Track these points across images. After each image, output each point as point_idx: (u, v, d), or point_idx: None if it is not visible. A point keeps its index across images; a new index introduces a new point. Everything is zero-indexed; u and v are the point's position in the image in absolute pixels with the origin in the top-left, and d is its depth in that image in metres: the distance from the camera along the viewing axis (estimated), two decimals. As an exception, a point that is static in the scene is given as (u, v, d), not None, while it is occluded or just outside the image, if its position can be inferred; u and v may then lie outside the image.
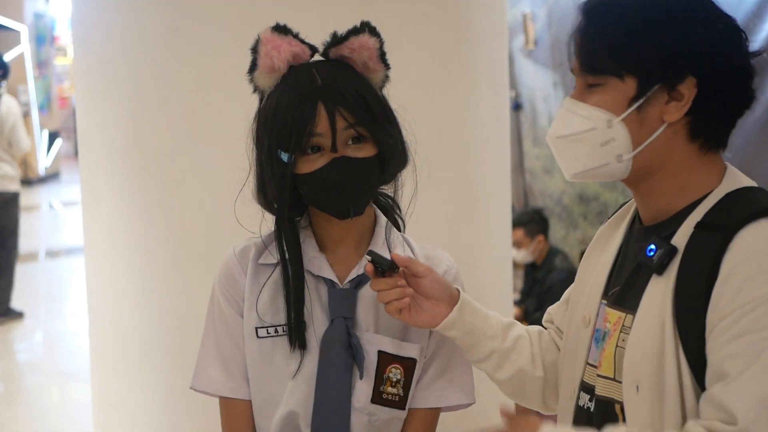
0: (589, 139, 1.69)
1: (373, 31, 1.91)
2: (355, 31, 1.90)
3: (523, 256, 6.34)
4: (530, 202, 7.63)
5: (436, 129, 3.08)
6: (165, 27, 2.97)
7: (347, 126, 1.82)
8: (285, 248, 1.93)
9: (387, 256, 1.86)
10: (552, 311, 2.05)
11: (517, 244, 6.26)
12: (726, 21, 1.67)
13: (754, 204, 1.63)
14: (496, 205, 3.39)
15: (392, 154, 1.89)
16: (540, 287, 6.26)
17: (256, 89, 1.92)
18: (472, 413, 2.12)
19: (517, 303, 6.21)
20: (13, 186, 7.89)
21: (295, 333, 1.92)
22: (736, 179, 1.70)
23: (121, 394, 3.34)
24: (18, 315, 7.96)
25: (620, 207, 1.91)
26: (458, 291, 1.91)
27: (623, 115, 1.66)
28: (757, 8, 4.44)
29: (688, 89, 1.64)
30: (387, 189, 2.02)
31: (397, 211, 2.05)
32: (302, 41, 1.90)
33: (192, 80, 2.96)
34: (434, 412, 2.02)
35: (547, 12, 7.15)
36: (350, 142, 1.84)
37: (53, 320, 8.55)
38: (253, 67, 1.90)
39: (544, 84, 7.11)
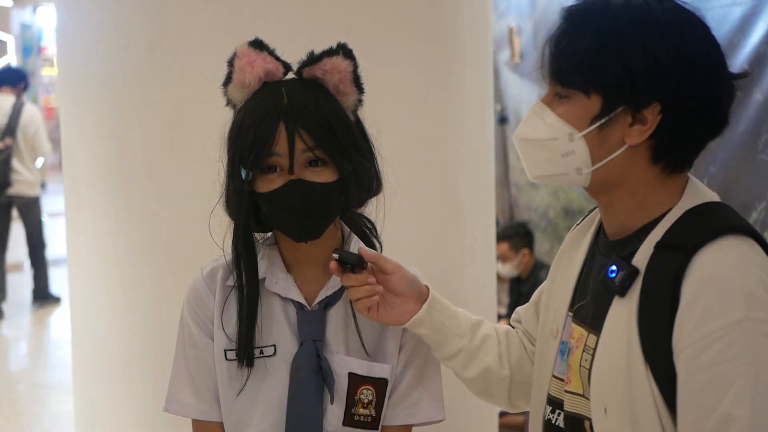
0: (550, 147, 1.67)
1: (348, 54, 1.89)
2: (329, 53, 1.88)
3: (509, 270, 6.34)
4: (516, 215, 7.64)
5: (420, 142, 3.08)
6: (149, 40, 2.96)
7: (306, 148, 1.80)
8: (238, 262, 1.91)
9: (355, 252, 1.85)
10: (520, 311, 2.06)
11: (502, 258, 6.25)
12: (703, 48, 1.62)
13: (711, 223, 1.60)
14: (481, 219, 3.38)
15: (354, 181, 1.86)
16: (525, 301, 6.23)
17: (229, 102, 1.91)
18: (441, 428, 2.12)
19: (502, 317, 6.20)
20: (34, 191, 8.70)
21: (244, 349, 1.90)
22: (697, 194, 1.67)
23: (103, 406, 3.32)
24: (56, 300, 8.91)
25: (590, 212, 1.88)
26: (427, 288, 1.92)
27: (584, 132, 1.64)
28: (741, 23, 4.45)
29: (652, 115, 1.61)
30: (364, 210, 2.01)
31: (374, 233, 2.03)
32: (277, 58, 1.88)
33: (175, 93, 2.96)
34: (406, 429, 2.01)
35: (533, 25, 7.17)
36: (309, 165, 1.82)
37: (38, 331, 8.53)
38: (227, 81, 1.90)
39: (529, 97, 7.11)
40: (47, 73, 18.37)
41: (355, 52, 1.91)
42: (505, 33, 7.43)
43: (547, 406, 1.80)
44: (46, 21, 17.97)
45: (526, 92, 7.22)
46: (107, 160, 3.12)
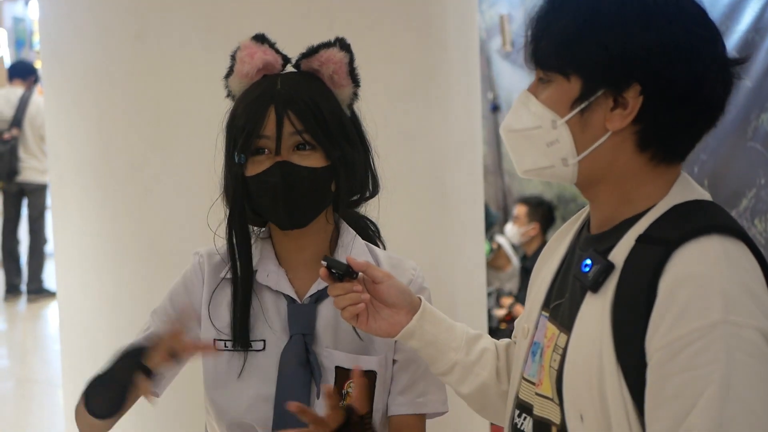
0: (536, 137, 1.61)
1: (345, 46, 1.91)
2: (326, 45, 1.91)
3: (514, 233, 6.28)
4: (509, 204, 7.63)
5: (408, 133, 3.07)
6: (133, 35, 2.95)
7: (294, 131, 1.82)
8: (234, 247, 1.92)
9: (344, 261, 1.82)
10: (516, 323, 1.93)
11: (515, 219, 6.23)
12: (689, 28, 1.53)
13: (698, 219, 1.51)
14: (469, 210, 3.38)
15: (343, 170, 1.87)
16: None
17: (229, 94, 1.94)
18: (444, 422, 2.12)
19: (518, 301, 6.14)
20: (42, 178, 8.80)
21: (240, 333, 1.90)
22: (686, 190, 1.59)
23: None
24: (50, 294, 8.76)
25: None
26: (419, 299, 1.86)
27: (566, 117, 1.57)
28: (729, 10, 4.45)
29: (633, 98, 1.53)
30: (367, 212, 2.02)
31: (378, 235, 2.05)
32: (277, 51, 1.91)
33: (160, 88, 2.95)
34: (419, 421, 2.00)
35: (524, 13, 7.14)
36: (296, 148, 1.83)
37: (27, 327, 8.54)
38: (229, 72, 1.93)
39: (521, 85, 7.02)
40: (40, 65, 18.31)
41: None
42: (496, 21, 7.41)
43: (516, 410, 1.73)
44: (38, 14, 17.92)
45: (517, 80, 7.20)
46: (92, 157, 3.11)
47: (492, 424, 3.53)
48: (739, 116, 4.33)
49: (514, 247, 6.37)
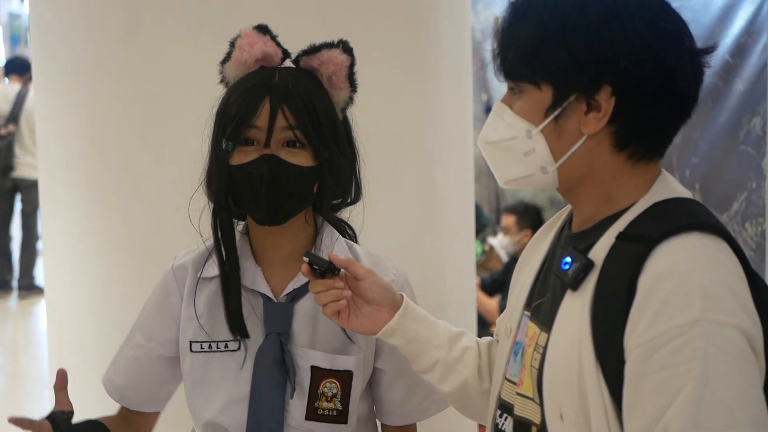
0: (512, 147, 1.60)
1: (347, 49, 1.90)
2: (328, 45, 1.90)
3: (506, 244, 6.27)
4: (501, 205, 7.62)
5: (398, 134, 3.07)
6: (123, 32, 2.94)
7: (287, 126, 1.81)
8: (218, 243, 1.91)
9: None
10: (498, 322, 1.92)
11: (504, 230, 6.20)
12: (654, 24, 1.52)
13: (678, 217, 1.51)
14: (460, 211, 3.37)
15: (329, 173, 1.86)
16: None
17: (223, 80, 1.93)
18: (434, 422, 2.12)
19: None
20: (36, 174, 8.53)
21: (235, 320, 1.90)
22: (667, 188, 1.59)
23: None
24: (41, 290, 8.79)
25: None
26: (402, 296, 1.85)
27: (541, 126, 1.56)
28: (722, 13, 4.44)
29: (605, 100, 1.52)
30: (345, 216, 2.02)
31: (354, 240, 2.04)
32: (278, 44, 1.91)
33: (151, 85, 2.94)
34: (413, 427, 2.03)
35: (519, 15, 7.14)
36: (286, 144, 1.82)
37: (21, 322, 8.52)
38: (226, 59, 1.91)
39: (516, 87, 7.06)
40: (35, 62, 18.26)
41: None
42: (491, 22, 7.40)
43: (497, 410, 1.73)
44: (33, 10, 17.91)
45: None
46: (82, 153, 3.10)
47: (480, 425, 3.52)
48: (731, 120, 4.32)
49: (510, 256, 6.36)
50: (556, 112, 1.55)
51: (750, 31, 4.33)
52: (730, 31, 4.39)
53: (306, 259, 1.78)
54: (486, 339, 1.94)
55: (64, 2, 3.11)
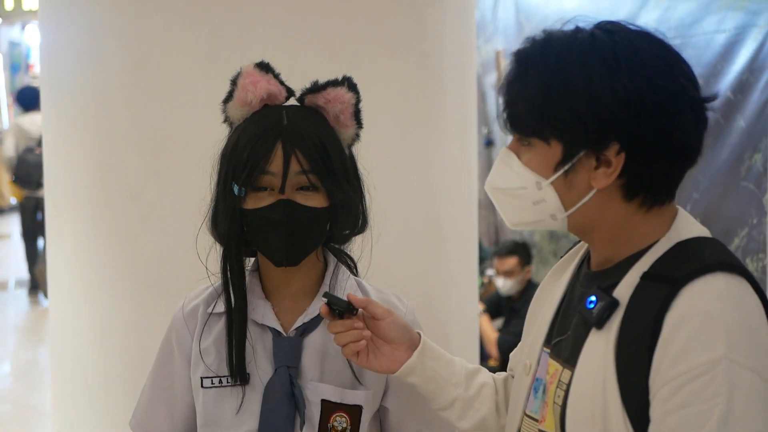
0: (521, 196, 1.61)
1: (352, 87, 1.89)
2: (333, 83, 1.88)
3: (510, 286, 6.28)
4: (501, 238, 7.63)
5: (403, 166, 3.08)
6: (132, 63, 2.95)
7: (300, 171, 1.80)
8: (227, 285, 1.90)
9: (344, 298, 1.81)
10: (512, 357, 1.94)
11: (508, 274, 6.21)
12: (657, 77, 1.53)
13: (702, 257, 1.51)
14: (463, 243, 3.38)
15: (343, 210, 1.86)
16: (517, 314, 6.20)
17: (226, 120, 1.91)
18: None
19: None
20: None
21: (237, 366, 1.89)
22: (687, 227, 1.59)
23: (82, 430, 3.30)
24: None
25: (573, 245, 1.81)
26: (419, 335, 1.86)
27: (551, 179, 1.57)
28: (724, 50, 4.47)
29: (614, 156, 1.52)
30: (347, 247, 2.00)
31: (354, 272, 2.02)
32: (281, 82, 1.89)
33: (159, 116, 2.95)
34: None
35: (519, 49, 7.18)
36: (301, 188, 1.82)
37: (21, 351, 8.49)
38: (228, 98, 1.89)
39: (516, 121, 7.08)
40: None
41: (338, 77, 1.91)
42: (492, 57, 7.45)
43: None
44: (34, 38, 17.96)
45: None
46: (89, 184, 3.11)
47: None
48: (732, 156, 4.34)
49: (510, 298, 6.39)
50: (566, 167, 1.56)
51: (752, 68, 4.35)
52: (732, 67, 4.41)
53: (325, 299, 1.78)
54: (501, 374, 1.95)
55: (74, 33, 3.13)
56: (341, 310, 1.78)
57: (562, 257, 1.83)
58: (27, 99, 9.92)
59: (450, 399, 1.84)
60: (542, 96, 1.54)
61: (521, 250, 6.35)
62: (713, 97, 1.60)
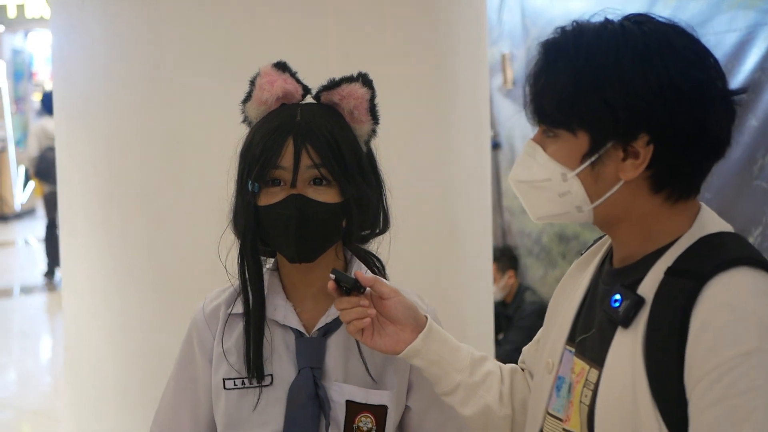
0: (546, 187, 1.60)
1: (367, 82, 1.90)
2: (348, 79, 1.89)
3: (495, 291, 6.31)
4: (509, 241, 7.62)
5: (417, 167, 3.08)
6: (147, 67, 2.95)
7: (311, 165, 1.81)
8: (245, 282, 1.90)
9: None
10: (525, 351, 1.95)
11: None
12: (687, 70, 1.52)
13: (726, 251, 1.51)
14: (477, 243, 3.38)
15: (357, 208, 1.86)
16: (512, 323, 6.22)
17: (245, 119, 1.92)
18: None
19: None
20: None
21: (254, 363, 1.89)
22: (710, 223, 1.58)
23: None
24: None
25: (595, 242, 1.80)
26: (425, 318, 1.84)
27: (577, 171, 1.57)
28: (735, 49, 4.46)
29: (642, 147, 1.52)
30: (371, 248, 2.00)
31: (383, 273, 2.02)
32: (298, 81, 1.90)
33: (174, 119, 2.95)
34: None
35: (525, 52, 7.18)
36: (313, 182, 1.82)
37: (26, 358, 8.48)
38: (247, 98, 1.91)
39: (522, 123, 7.10)
40: (38, 98, 18.33)
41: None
42: (498, 59, 7.44)
43: None
44: (37, 46, 17.97)
45: (518, 118, 7.22)
46: (103, 187, 3.10)
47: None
48: (745, 155, 4.33)
49: (503, 303, 6.40)
50: (593, 159, 1.56)
51: (763, 67, 4.34)
52: (743, 67, 4.40)
53: (332, 276, 1.78)
54: (509, 366, 1.94)
55: (87, 36, 3.13)
56: (348, 287, 1.78)
57: (582, 253, 1.82)
58: (51, 103, 10.13)
59: (453, 384, 1.82)
60: (572, 85, 1.53)
61: (498, 256, 6.35)
62: (743, 90, 1.60)
